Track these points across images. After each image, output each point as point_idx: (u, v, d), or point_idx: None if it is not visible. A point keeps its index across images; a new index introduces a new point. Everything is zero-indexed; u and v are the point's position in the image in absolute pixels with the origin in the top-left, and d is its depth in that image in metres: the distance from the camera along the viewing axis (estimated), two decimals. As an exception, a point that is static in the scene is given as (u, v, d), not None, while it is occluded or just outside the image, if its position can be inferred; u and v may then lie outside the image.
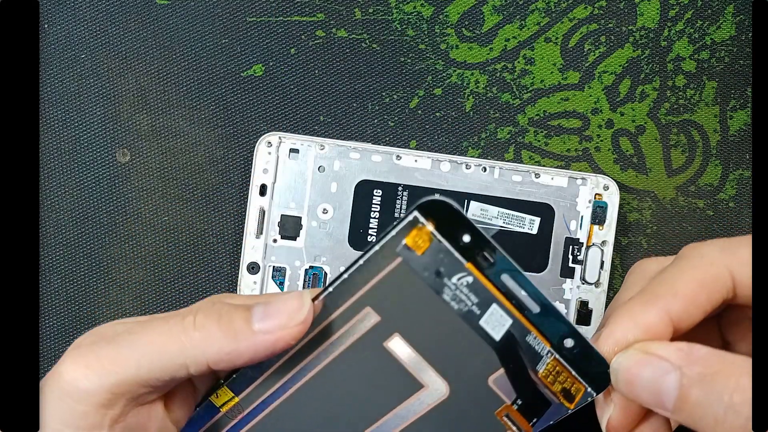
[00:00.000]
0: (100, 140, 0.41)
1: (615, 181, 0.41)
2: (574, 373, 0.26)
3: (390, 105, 0.41)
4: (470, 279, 0.24)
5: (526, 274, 0.25)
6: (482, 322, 0.25)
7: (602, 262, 0.40)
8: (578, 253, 0.40)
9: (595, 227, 0.40)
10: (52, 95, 0.40)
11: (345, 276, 0.25)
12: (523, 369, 0.25)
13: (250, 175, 0.40)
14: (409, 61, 0.41)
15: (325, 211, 0.40)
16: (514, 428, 0.26)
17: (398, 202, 0.40)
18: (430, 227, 0.24)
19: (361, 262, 0.24)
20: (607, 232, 0.40)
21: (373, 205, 0.40)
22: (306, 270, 0.40)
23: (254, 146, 0.40)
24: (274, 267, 0.40)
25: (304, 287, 0.40)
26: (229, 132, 0.41)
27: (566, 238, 0.40)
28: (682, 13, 0.41)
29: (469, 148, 0.41)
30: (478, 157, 0.41)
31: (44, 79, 0.40)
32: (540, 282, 0.40)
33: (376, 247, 0.24)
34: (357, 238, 0.40)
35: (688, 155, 0.41)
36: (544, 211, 0.40)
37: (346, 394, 0.26)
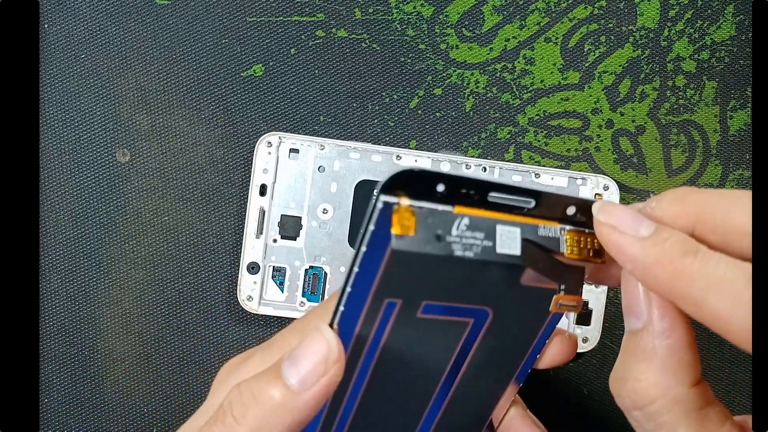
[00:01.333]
0: (100, 140, 0.41)
1: (615, 181, 0.41)
2: (587, 231, 0.25)
3: (390, 105, 0.41)
4: (466, 220, 0.23)
5: (502, 179, 0.23)
6: (499, 249, 0.24)
7: (602, 262, 0.40)
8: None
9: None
10: (53, 95, 0.40)
11: (348, 289, 0.24)
12: (550, 260, 0.25)
13: (250, 175, 0.40)
14: (409, 61, 0.41)
15: (325, 211, 0.40)
16: (571, 306, 0.26)
17: (398, 202, 0.40)
18: (405, 202, 0.22)
19: (356, 269, 0.23)
20: (607, 232, 0.40)
21: (373, 205, 0.40)
22: (306, 270, 0.40)
23: (254, 146, 0.40)
24: (274, 267, 0.40)
25: (304, 287, 0.40)
26: (229, 132, 0.41)
27: (566, 238, 0.40)
28: (682, 13, 0.41)
29: (469, 148, 0.41)
30: (478, 157, 0.41)
31: (44, 79, 0.40)
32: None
33: (364, 248, 0.23)
34: (357, 238, 0.40)
35: (688, 155, 0.41)
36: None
37: (407, 373, 0.26)
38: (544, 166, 0.41)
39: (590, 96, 0.41)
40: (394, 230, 0.22)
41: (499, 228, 0.24)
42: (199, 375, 0.41)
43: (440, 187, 0.22)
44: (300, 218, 0.40)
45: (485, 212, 0.24)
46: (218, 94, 0.41)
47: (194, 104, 0.41)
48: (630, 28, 0.41)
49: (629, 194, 0.41)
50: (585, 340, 0.40)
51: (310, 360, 0.22)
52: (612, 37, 0.41)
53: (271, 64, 0.41)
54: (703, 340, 0.42)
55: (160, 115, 0.41)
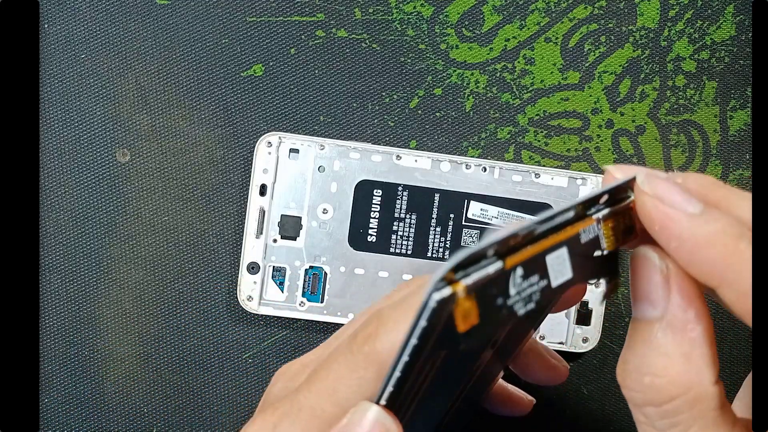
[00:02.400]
0: (100, 140, 0.41)
1: (615, 181, 0.41)
2: (615, 210, 0.23)
3: (390, 105, 0.41)
4: (519, 271, 0.21)
5: (531, 217, 0.22)
6: (554, 283, 0.22)
7: (602, 262, 0.40)
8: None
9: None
10: (52, 95, 0.40)
11: (398, 374, 0.22)
12: (594, 265, 0.23)
13: (250, 175, 0.40)
14: (409, 61, 0.41)
15: (325, 211, 0.40)
16: (610, 292, 0.24)
17: (398, 202, 0.40)
18: (461, 289, 0.19)
19: (406, 358, 0.21)
20: (607, 232, 0.40)
21: (373, 205, 0.40)
22: (306, 270, 0.40)
23: (254, 146, 0.40)
24: (274, 267, 0.40)
25: (304, 287, 0.40)
26: (229, 132, 0.41)
27: (566, 238, 0.40)
28: (682, 13, 0.41)
29: (469, 148, 0.41)
30: (478, 157, 0.41)
31: (44, 79, 0.40)
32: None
33: (414, 341, 0.20)
34: (357, 238, 0.40)
35: (688, 155, 0.41)
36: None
37: (435, 389, 0.24)
38: (544, 166, 0.41)
39: (590, 96, 0.41)
40: (460, 328, 0.19)
41: (549, 259, 0.21)
42: (199, 375, 0.41)
43: (490, 252, 0.20)
44: (300, 218, 0.40)
45: (533, 248, 0.21)
46: (218, 94, 0.41)
47: (194, 104, 0.41)
48: (630, 28, 0.41)
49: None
50: (585, 340, 0.40)
51: None
52: (612, 37, 0.41)
53: (271, 64, 0.41)
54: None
55: (160, 115, 0.41)
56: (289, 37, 0.41)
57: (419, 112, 0.41)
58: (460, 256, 0.19)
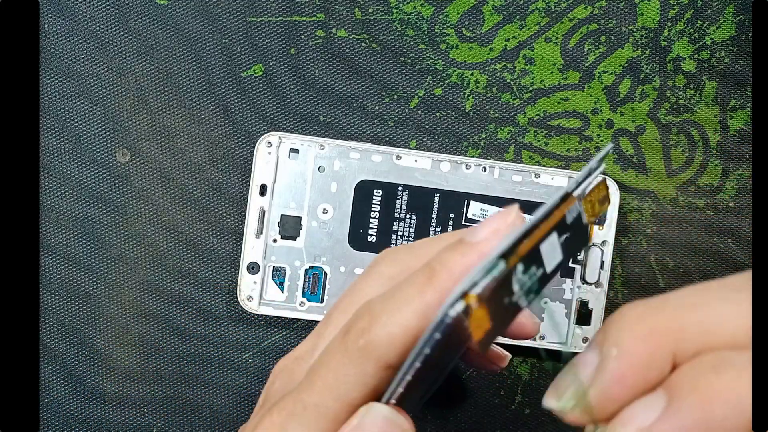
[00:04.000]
0: (100, 140, 0.41)
1: (615, 181, 0.41)
2: (591, 183, 0.24)
3: (390, 105, 0.41)
4: (520, 267, 0.21)
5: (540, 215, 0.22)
6: (549, 268, 0.22)
7: (602, 262, 0.40)
8: (578, 253, 0.40)
9: (595, 227, 0.40)
10: (53, 95, 0.40)
11: (408, 378, 0.22)
12: (579, 235, 0.24)
13: (250, 175, 0.40)
14: (409, 61, 0.41)
15: (325, 211, 0.40)
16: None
17: (398, 202, 0.40)
18: (474, 301, 0.19)
19: (418, 365, 0.21)
20: (607, 232, 0.40)
21: (373, 205, 0.40)
22: (306, 270, 0.40)
23: (254, 146, 0.40)
24: (274, 267, 0.40)
25: (304, 287, 0.40)
26: (229, 132, 0.41)
27: (566, 238, 0.40)
28: (682, 13, 0.41)
29: (469, 148, 0.41)
30: (478, 157, 0.41)
31: (44, 79, 0.40)
32: (540, 282, 0.40)
33: (428, 351, 0.21)
34: (357, 238, 0.40)
35: (688, 155, 0.41)
36: (544, 211, 0.40)
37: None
38: (544, 166, 0.41)
39: (590, 96, 0.41)
40: (476, 337, 0.20)
41: (543, 248, 0.22)
42: (199, 375, 0.41)
43: (501, 264, 0.20)
44: (300, 218, 0.40)
45: (528, 241, 0.21)
46: (218, 94, 0.41)
47: (194, 104, 0.41)
48: (630, 28, 0.41)
49: (629, 194, 0.41)
50: (585, 340, 0.40)
51: None
52: (612, 37, 0.41)
53: (271, 64, 0.41)
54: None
55: (160, 115, 0.41)
56: (289, 37, 0.41)
57: (419, 112, 0.41)
58: (474, 275, 0.20)
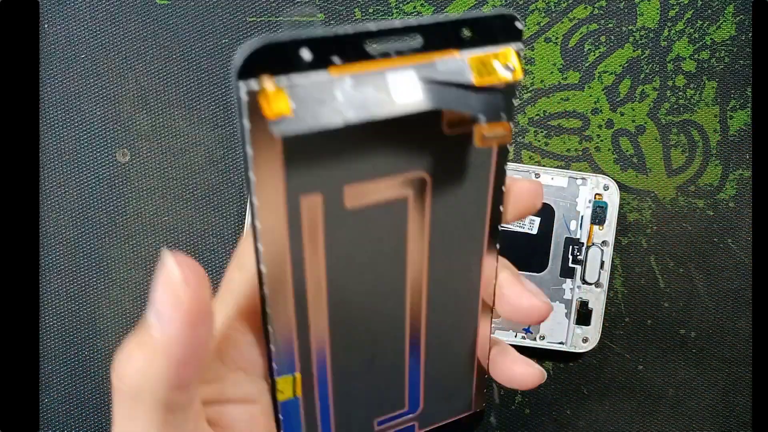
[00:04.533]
0: (100, 140, 0.41)
1: (615, 181, 0.41)
2: (492, 48, 0.22)
3: (390, 105, 0.41)
4: (348, 80, 0.20)
5: (375, 25, 0.20)
6: (397, 100, 0.20)
7: (602, 262, 0.40)
8: (578, 253, 0.40)
9: (595, 227, 0.40)
10: (53, 95, 0.40)
11: (254, 200, 0.21)
12: (457, 91, 0.21)
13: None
14: (409, 61, 0.41)
15: (325, 211, 0.40)
16: (498, 136, 0.23)
17: (398, 202, 0.40)
18: (269, 83, 0.19)
19: (252, 176, 0.20)
20: (607, 232, 0.40)
21: (373, 205, 0.40)
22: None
23: (254, 146, 0.40)
24: (274, 267, 0.40)
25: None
26: (229, 132, 0.41)
27: (566, 238, 0.40)
28: (682, 13, 0.41)
29: (469, 148, 0.41)
30: (478, 157, 0.41)
31: (44, 79, 0.40)
32: (540, 282, 0.40)
33: (250, 150, 0.20)
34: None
35: (688, 155, 0.41)
36: (544, 211, 0.40)
37: (365, 287, 0.23)
38: (544, 166, 0.41)
39: (590, 96, 0.41)
40: (268, 115, 0.19)
41: (390, 76, 0.20)
42: (199, 375, 0.41)
43: (306, 54, 0.19)
44: (300, 218, 0.40)
45: (369, 65, 0.20)
46: (218, 94, 0.41)
47: (194, 104, 0.41)
48: (630, 28, 0.41)
49: (629, 194, 0.41)
50: (585, 340, 0.40)
51: (159, 292, 0.20)
52: (612, 37, 0.41)
53: (271, 64, 0.41)
54: (703, 340, 0.42)
55: (160, 115, 0.41)
56: (289, 37, 0.41)
57: (419, 112, 0.41)
58: (261, 38, 0.19)
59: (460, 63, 0.21)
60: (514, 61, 0.22)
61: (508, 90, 0.23)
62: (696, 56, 0.41)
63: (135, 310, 0.41)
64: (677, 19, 0.41)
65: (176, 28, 0.40)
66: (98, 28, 0.40)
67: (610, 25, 0.41)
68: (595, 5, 0.41)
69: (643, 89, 0.41)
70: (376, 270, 0.23)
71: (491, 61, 0.22)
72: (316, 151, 0.20)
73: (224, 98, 0.41)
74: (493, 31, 0.22)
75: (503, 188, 0.24)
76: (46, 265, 0.41)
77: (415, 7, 0.41)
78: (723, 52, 0.41)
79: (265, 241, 0.21)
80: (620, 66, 0.41)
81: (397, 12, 0.41)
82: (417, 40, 0.21)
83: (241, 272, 0.23)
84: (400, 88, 0.20)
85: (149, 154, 0.41)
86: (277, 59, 0.19)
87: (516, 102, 0.23)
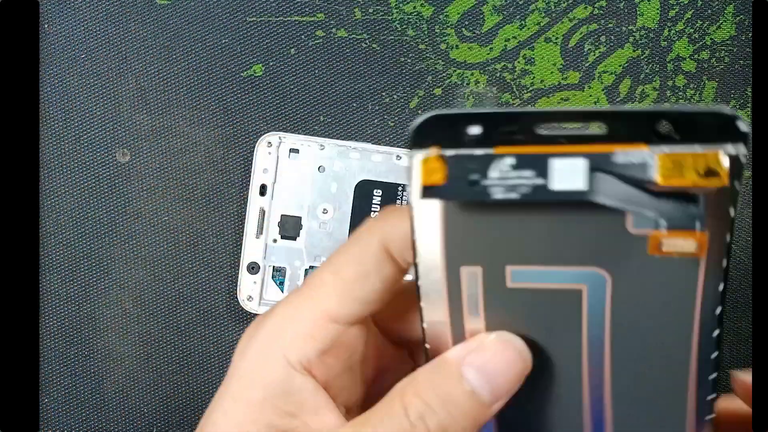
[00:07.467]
0: (100, 140, 0.41)
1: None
2: (696, 147, 0.19)
3: (390, 105, 0.41)
4: (510, 160, 0.19)
5: (555, 109, 0.20)
6: (555, 186, 0.19)
7: (602, 262, 0.40)
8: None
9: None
10: (53, 95, 0.40)
11: (417, 260, 0.21)
12: (639, 191, 0.19)
13: (250, 175, 0.40)
14: (409, 61, 0.41)
15: (325, 211, 0.40)
16: (682, 247, 0.20)
17: (398, 202, 0.40)
18: (435, 152, 0.19)
19: (415, 238, 0.20)
20: (607, 232, 0.40)
21: (373, 205, 0.40)
22: (306, 270, 0.40)
23: (254, 146, 0.40)
24: (274, 267, 0.40)
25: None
26: (229, 132, 0.41)
27: (566, 238, 0.40)
28: (682, 13, 0.41)
29: (469, 148, 0.41)
30: (478, 157, 0.41)
31: (44, 79, 0.40)
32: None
33: (412, 214, 0.20)
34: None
35: (688, 155, 0.41)
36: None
37: (540, 361, 0.22)
38: (544, 166, 0.41)
39: (590, 96, 0.41)
40: (422, 181, 0.19)
41: (555, 162, 0.19)
42: (199, 375, 0.41)
43: (475, 130, 0.19)
44: (300, 218, 0.40)
45: (539, 148, 0.19)
46: (218, 94, 0.41)
47: (194, 104, 0.41)
48: (630, 28, 0.41)
49: (629, 194, 0.41)
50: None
51: (507, 378, 0.21)
52: (612, 37, 0.41)
53: (271, 64, 0.41)
54: (703, 340, 0.42)
55: (160, 115, 0.41)
56: (289, 37, 0.41)
57: (419, 112, 0.41)
58: (435, 113, 0.19)
59: (646, 158, 0.19)
60: (723, 166, 0.19)
61: (715, 196, 0.20)
62: (696, 56, 0.41)
63: (135, 310, 0.41)
64: (677, 19, 0.41)
65: (176, 28, 0.40)
66: (98, 28, 0.40)
67: (610, 25, 0.41)
68: (595, 5, 0.41)
69: (643, 89, 0.41)
70: (548, 344, 0.21)
71: (686, 161, 0.19)
72: (474, 224, 0.20)
73: (224, 98, 0.41)
74: (702, 129, 0.19)
75: (716, 312, 0.20)
76: (46, 266, 0.41)
77: (414, 7, 0.41)
78: (723, 52, 0.41)
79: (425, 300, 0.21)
80: (620, 66, 0.41)
81: (397, 12, 0.41)
82: (602, 130, 0.20)
83: (335, 276, 0.23)
84: (563, 175, 0.19)
85: (149, 154, 0.41)
86: (450, 132, 0.19)
87: (732, 212, 0.20)
